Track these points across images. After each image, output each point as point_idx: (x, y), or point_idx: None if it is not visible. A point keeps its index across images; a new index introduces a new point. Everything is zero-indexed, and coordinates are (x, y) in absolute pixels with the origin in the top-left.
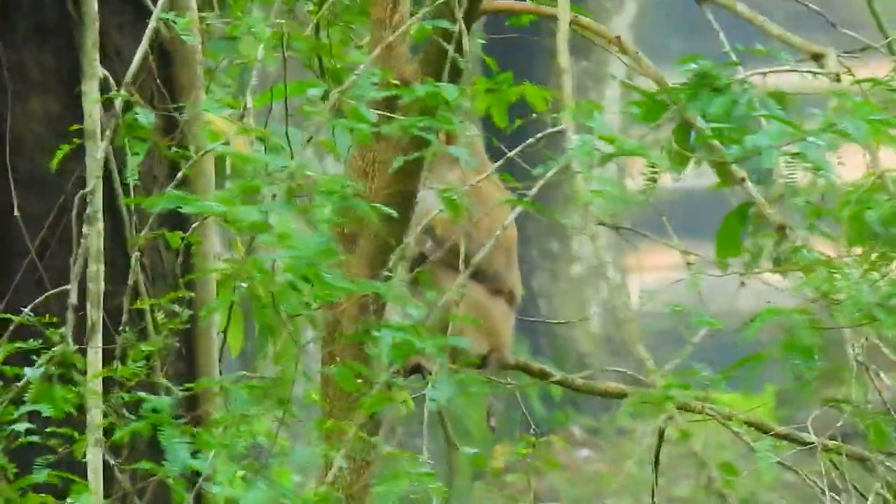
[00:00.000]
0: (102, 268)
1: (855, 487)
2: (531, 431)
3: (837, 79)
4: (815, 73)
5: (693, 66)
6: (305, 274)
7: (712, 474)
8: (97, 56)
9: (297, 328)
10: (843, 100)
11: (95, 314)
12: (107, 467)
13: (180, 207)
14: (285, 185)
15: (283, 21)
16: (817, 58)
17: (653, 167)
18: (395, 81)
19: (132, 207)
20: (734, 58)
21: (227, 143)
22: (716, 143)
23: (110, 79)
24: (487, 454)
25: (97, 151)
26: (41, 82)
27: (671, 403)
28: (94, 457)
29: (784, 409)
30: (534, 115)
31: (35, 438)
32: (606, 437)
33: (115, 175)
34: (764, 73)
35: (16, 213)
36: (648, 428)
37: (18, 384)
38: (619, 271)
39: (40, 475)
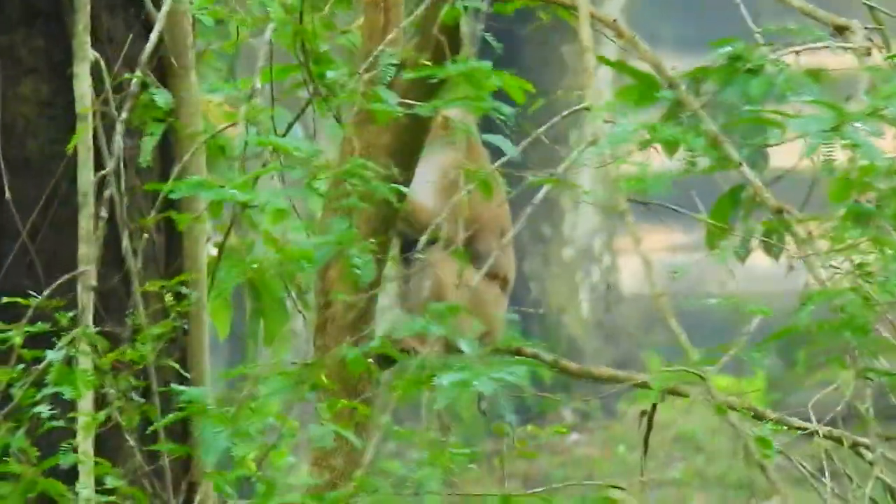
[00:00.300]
0: (94, 250)
1: (847, 475)
2: (507, 420)
3: (868, 53)
4: (845, 48)
5: (728, 48)
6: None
7: (750, 445)
8: (88, 39)
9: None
10: (876, 75)
11: (86, 297)
12: (123, 449)
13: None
14: (305, 170)
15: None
16: (841, 30)
17: (692, 151)
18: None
19: (122, 190)
20: (760, 38)
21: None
22: (710, 127)
23: (101, 62)
24: (478, 438)
25: (86, 134)
26: (32, 66)
27: (705, 381)
28: (85, 442)
29: (775, 393)
30: (558, 92)
31: (57, 424)
32: (597, 421)
33: (106, 156)
34: (797, 52)
35: (7, 196)
36: (674, 412)
37: (37, 367)
38: (610, 253)
39: (67, 458)
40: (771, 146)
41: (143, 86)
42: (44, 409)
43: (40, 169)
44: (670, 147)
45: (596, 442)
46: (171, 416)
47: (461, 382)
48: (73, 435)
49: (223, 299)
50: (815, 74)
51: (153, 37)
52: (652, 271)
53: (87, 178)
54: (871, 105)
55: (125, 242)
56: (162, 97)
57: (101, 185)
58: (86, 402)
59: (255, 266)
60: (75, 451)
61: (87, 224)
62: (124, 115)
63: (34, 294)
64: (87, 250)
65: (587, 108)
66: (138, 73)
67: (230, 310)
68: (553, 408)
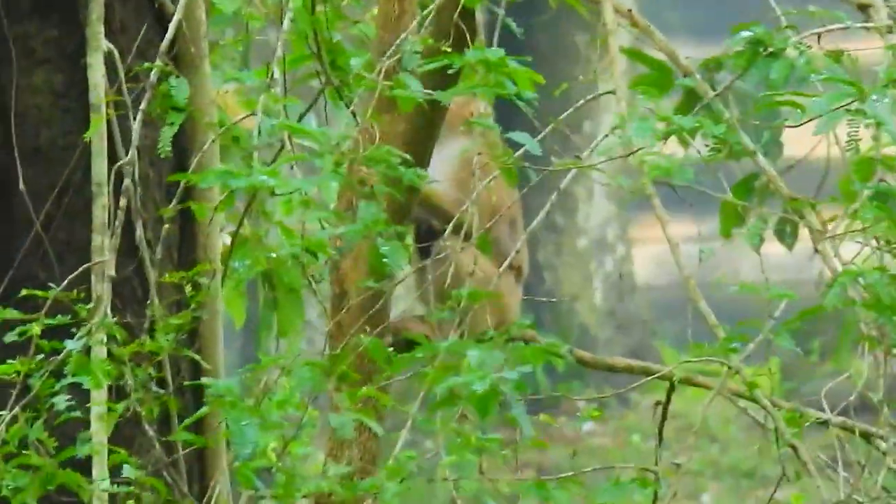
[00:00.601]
0: (108, 240)
1: (861, 465)
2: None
3: (889, 30)
4: (866, 28)
5: (747, 33)
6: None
7: (780, 426)
8: (102, 29)
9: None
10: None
11: (100, 287)
12: (139, 440)
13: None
14: (333, 157)
15: None
16: (864, 9)
17: (716, 138)
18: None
19: (136, 179)
20: (783, 22)
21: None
22: (726, 115)
23: (115, 52)
24: (491, 427)
25: (100, 124)
26: (45, 56)
27: (734, 355)
28: (98, 433)
29: (790, 383)
30: (579, 78)
31: (76, 414)
32: (611, 410)
33: (120, 147)
34: (818, 34)
35: (21, 186)
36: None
37: (55, 358)
38: (624, 243)
39: (84, 449)
40: (791, 127)
41: (162, 75)
42: (61, 400)
43: (54, 159)
44: (685, 137)
45: (610, 432)
46: (203, 409)
47: (491, 391)
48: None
49: (237, 289)
50: (837, 56)
51: (172, 26)
52: (679, 254)
53: (101, 168)
54: (887, 76)
55: (139, 232)
56: (181, 87)
57: (117, 175)
58: (100, 393)
59: (271, 256)
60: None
61: (101, 214)
62: (144, 104)
63: (50, 285)
64: (101, 240)
65: (612, 92)
66: (158, 62)
67: (244, 299)
68: (567, 397)
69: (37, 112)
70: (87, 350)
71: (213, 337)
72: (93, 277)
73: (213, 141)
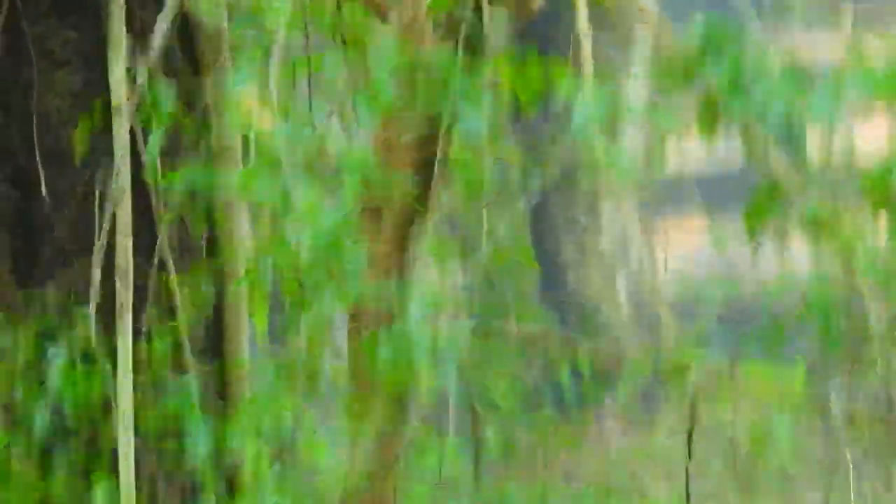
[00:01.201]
0: (130, 243)
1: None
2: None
3: (854, 36)
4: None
5: (700, 25)
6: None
7: (737, 440)
8: (122, 31)
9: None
10: (857, 56)
11: (124, 292)
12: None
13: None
14: (308, 159)
15: None
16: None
17: (678, 130)
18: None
19: (157, 181)
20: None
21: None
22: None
23: (136, 54)
24: (515, 428)
25: (122, 127)
26: (65, 58)
27: (694, 364)
28: (125, 441)
29: (816, 382)
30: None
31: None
32: (638, 414)
33: (142, 148)
34: (774, 29)
35: (42, 188)
36: (680, 403)
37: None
38: (645, 246)
39: (66, 460)
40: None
41: (151, 82)
42: (43, 412)
43: (74, 160)
44: (706, 130)
45: (636, 434)
46: (155, 413)
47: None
48: (76, 434)
49: (260, 293)
50: (790, 53)
51: (159, 32)
52: (654, 264)
53: (123, 171)
54: (834, 74)
55: (161, 236)
56: (167, 93)
57: (134, 178)
58: (123, 401)
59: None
60: (94, 446)
61: (123, 216)
62: (133, 111)
63: (74, 290)
64: (125, 243)
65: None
66: (143, 69)
67: (267, 302)
68: (594, 399)
69: (57, 114)
70: (72, 361)
71: (237, 339)
72: (117, 282)
73: (203, 144)
